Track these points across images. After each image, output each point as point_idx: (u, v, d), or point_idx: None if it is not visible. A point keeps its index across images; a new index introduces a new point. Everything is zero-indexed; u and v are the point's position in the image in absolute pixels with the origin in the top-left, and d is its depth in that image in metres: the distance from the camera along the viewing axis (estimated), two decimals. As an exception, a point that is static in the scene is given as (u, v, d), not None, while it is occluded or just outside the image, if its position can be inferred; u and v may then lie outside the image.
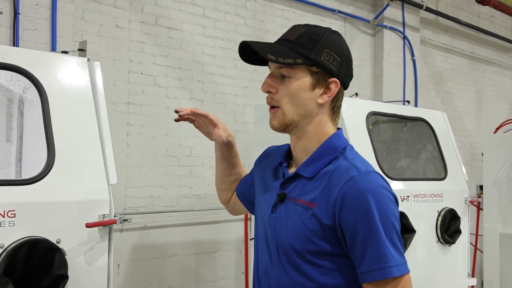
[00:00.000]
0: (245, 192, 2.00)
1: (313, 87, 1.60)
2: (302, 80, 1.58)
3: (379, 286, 1.49)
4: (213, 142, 2.01)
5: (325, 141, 1.64)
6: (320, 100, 1.61)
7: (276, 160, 1.81)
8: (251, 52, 1.60)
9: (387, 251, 1.49)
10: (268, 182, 1.78)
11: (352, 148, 1.67)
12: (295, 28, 1.63)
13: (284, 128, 1.62)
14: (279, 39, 1.62)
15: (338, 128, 1.70)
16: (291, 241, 1.59)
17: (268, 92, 1.62)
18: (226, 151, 2.01)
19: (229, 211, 2.17)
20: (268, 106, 1.66)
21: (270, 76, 1.61)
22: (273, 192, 1.71)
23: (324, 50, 1.59)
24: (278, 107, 1.61)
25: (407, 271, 1.52)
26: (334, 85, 1.62)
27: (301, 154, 1.68)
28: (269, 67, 1.64)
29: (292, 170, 1.70)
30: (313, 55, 1.57)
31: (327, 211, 1.53)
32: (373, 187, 1.51)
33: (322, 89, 1.61)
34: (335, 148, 1.63)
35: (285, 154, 1.76)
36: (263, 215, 1.73)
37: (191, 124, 1.99)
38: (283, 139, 1.79)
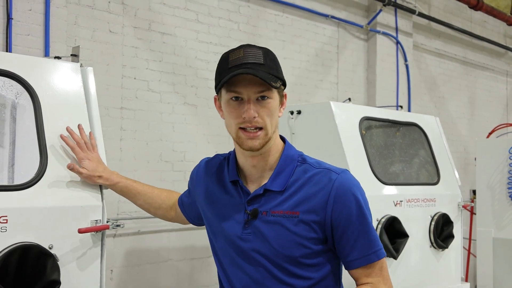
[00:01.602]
0: (190, 215, 2.13)
1: (279, 103, 1.72)
2: (276, 99, 1.69)
3: (371, 268, 1.69)
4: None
5: (282, 153, 1.76)
6: (280, 114, 1.75)
7: (220, 175, 1.86)
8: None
9: (376, 236, 1.72)
10: (223, 200, 1.81)
11: (306, 154, 1.81)
12: (251, 50, 1.66)
13: (262, 147, 1.69)
14: (248, 63, 1.63)
15: (281, 136, 1.82)
16: (283, 250, 1.67)
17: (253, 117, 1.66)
18: (114, 190, 2.27)
19: (181, 223, 2.28)
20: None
21: (249, 101, 1.64)
22: (237, 209, 1.76)
23: (280, 68, 1.71)
24: (262, 128, 1.66)
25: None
26: (284, 98, 1.77)
27: (261, 169, 1.75)
28: (239, 93, 1.65)
29: (251, 186, 1.76)
30: (281, 75, 1.69)
31: (316, 213, 1.66)
32: (354, 184, 1.71)
33: (280, 104, 1.74)
34: (292, 158, 1.76)
35: (235, 169, 1.81)
36: (229, 233, 1.76)
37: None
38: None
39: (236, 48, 1.70)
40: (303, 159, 1.76)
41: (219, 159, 1.91)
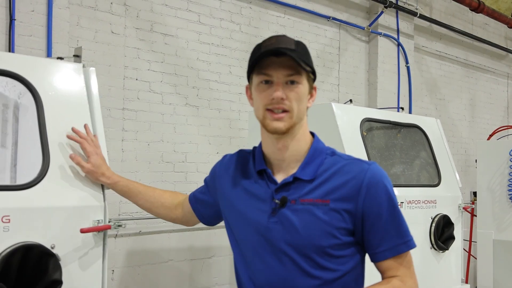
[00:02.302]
0: (203, 212, 2.08)
1: (309, 93, 1.73)
2: (305, 86, 1.71)
3: (400, 259, 1.71)
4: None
5: (312, 145, 1.78)
6: (309, 105, 1.76)
7: (245, 168, 1.86)
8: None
9: (406, 227, 1.74)
10: (249, 190, 1.80)
11: (334, 149, 1.83)
12: (283, 38, 1.71)
13: (288, 130, 1.70)
14: (280, 47, 1.66)
15: (311, 131, 1.84)
16: (311, 240, 1.66)
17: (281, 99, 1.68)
18: (114, 189, 2.23)
19: (185, 225, 2.24)
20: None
21: (278, 84, 1.67)
22: (263, 198, 1.75)
23: (311, 59, 1.74)
24: (288, 111, 1.68)
25: None
26: (314, 91, 1.78)
27: (288, 156, 1.76)
28: (269, 76, 1.68)
29: (278, 176, 1.77)
30: (311, 64, 1.71)
31: (347, 201, 1.67)
32: (384, 175, 1.74)
33: (309, 95, 1.75)
34: (321, 151, 1.77)
35: (262, 160, 1.81)
36: (255, 223, 1.74)
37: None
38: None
39: (269, 37, 1.73)
40: (332, 152, 1.79)
41: (244, 153, 1.92)
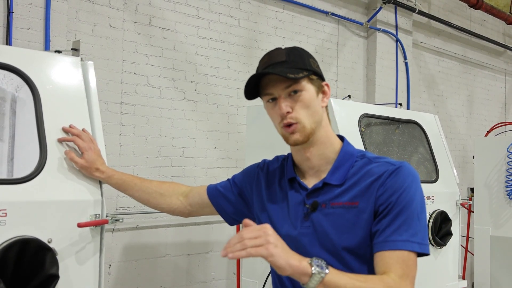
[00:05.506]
0: (226, 208, 2.03)
1: (317, 93, 1.74)
2: (309, 90, 1.71)
3: (399, 257, 1.62)
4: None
5: (341, 149, 1.78)
6: (323, 104, 1.76)
7: (278, 175, 1.89)
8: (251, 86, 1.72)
9: (420, 231, 1.62)
10: (283, 197, 1.83)
11: (366, 151, 1.83)
12: (274, 52, 1.74)
13: (306, 139, 1.71)
14: (271, 64, 1.69)
15: (340, 135, 1.84)
16: (343, 241, 1.67)
17: (287, 113, 1.69)
18: (109, 183, 2.19)
19: (185, 216, 2.20)
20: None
21: (280, 99, 1.69)
22: (295, 204, 1.77)
23: (310, 60, 1.75)
24: (296, 123, 1.69)
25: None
26: (326, 87, 1.79)
27: (317, 162, 1.77)
28: (271, 94, 1.71)
29: (310, 181, 1.78)
30: (308, 66, 1.71)
31: (371, 201, 1.65)
32: (411, 174, 1.68)
33: (320, 94, 1.75)
34: (352, 154, 1.77)
35: (292, 167, 1.84)
36: (288, 229, 1.76)
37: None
38: (277, 141, 1.80)
39: (263, 56, 1.76)
40: (362, 155, 1.77)
41: (279, 160, 1.94)
